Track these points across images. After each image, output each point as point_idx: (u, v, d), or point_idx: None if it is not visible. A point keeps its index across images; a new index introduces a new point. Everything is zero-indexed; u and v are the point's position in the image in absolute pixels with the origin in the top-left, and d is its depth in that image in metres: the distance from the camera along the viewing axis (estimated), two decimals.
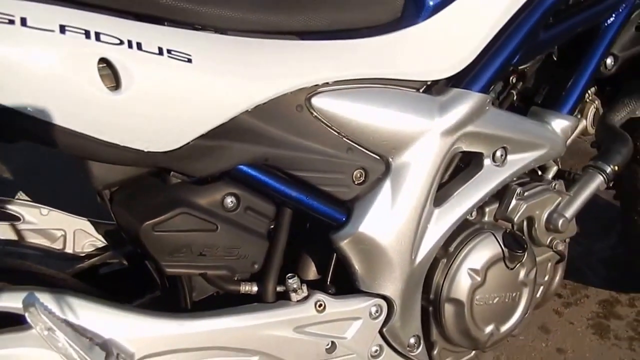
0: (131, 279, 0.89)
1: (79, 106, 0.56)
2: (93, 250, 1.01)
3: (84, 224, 1.00)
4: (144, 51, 0.58)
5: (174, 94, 0.61)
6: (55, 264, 0.93)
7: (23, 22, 0.52)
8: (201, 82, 0.63)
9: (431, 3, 0.79)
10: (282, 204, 0.77)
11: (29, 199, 0.99)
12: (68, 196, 1.15)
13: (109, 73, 0.57)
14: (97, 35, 0.55)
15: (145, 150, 0.62)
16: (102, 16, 0.57)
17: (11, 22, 0.51)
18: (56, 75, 0.54)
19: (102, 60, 0.56)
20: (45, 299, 0.60)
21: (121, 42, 0.57)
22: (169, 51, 0.60)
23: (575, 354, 1.46)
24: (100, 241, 1.02)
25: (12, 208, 0.92)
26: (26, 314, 0.58)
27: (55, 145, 0.58)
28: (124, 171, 0.69)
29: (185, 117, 0.63)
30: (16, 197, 0.99)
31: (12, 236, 0.94)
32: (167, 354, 0.68)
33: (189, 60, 0.61)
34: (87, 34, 0.55)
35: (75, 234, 1.01)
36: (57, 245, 1.00)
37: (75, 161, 0.67)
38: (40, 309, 0.57)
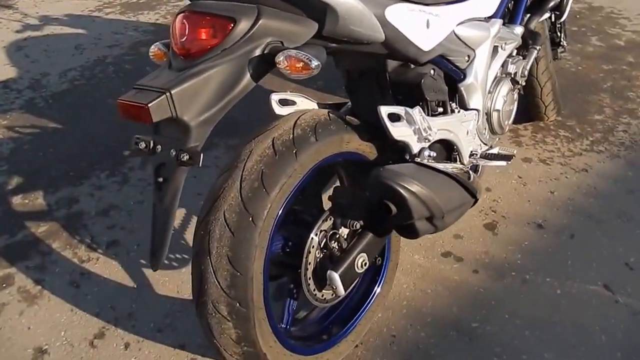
0: None
1: (422, 33, 1.59)
2: None
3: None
4: (430, 14, 1.62)
5: (437, 31, 1.65)
6: None
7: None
8: (437, 26, 1.66)
9: None
10: (443, 70, 1.80)
11: None
12: None
13: (428, 22, 1.61)
14: (422, 10, 1.59)
15: (423, 49, 1.65)
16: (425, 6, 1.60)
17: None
18: (420, 22, 1.58)
19: (427, 20, 1.59)
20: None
21: (428, 13, 1.61)
22: (431, 16, 1.64)
23: None
24: None
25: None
26: (406, 116, 1.60)
27: (398, 49, 1.59)
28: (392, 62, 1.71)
29: (434, 38, 1.66)
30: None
31: None
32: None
33: (437, 15, 1.66)
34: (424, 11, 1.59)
35: None
36: None
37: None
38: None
